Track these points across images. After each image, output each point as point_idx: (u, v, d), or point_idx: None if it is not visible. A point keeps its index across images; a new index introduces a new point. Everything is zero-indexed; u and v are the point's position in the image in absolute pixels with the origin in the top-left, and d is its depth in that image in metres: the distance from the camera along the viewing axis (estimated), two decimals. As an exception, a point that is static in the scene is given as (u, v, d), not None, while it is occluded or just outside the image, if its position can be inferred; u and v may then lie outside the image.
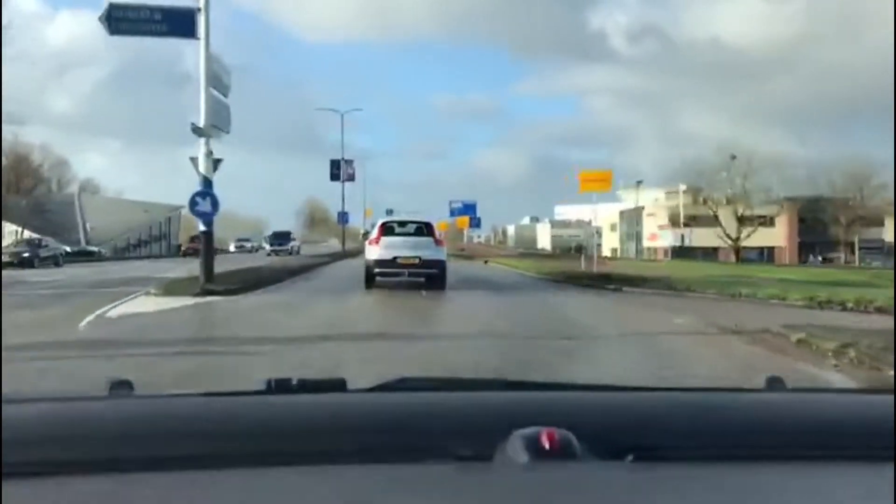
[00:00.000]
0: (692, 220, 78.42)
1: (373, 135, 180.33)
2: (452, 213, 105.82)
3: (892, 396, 1.31)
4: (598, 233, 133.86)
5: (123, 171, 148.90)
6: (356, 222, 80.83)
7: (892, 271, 31.89)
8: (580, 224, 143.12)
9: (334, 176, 64.66)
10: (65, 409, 1.31)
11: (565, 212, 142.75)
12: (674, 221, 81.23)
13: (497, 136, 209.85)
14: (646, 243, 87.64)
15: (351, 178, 65.27)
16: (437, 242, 20.42)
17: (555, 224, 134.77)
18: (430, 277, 19.54)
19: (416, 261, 19.41)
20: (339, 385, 1.39)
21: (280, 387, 1.38)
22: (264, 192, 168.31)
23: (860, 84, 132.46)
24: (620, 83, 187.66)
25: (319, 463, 1.09)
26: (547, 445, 1.08)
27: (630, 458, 1.12)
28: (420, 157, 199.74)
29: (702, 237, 76.43)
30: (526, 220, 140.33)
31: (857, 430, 1.22)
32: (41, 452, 1.09)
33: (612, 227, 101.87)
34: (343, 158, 64.06)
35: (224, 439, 1.15)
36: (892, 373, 7.44)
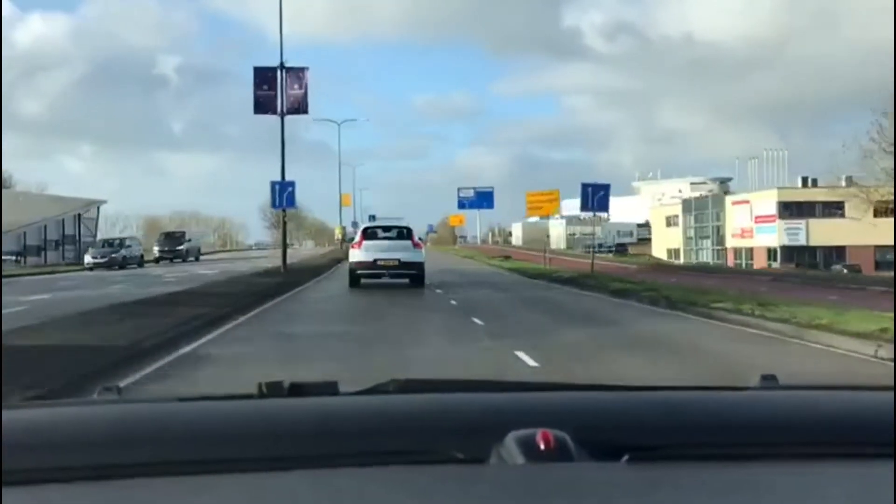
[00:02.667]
0: (792, 210, 57.02)
1: (352, 134, 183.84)
2: (461, 204, 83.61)
3: (891, 393, 1.29)
4: (634, 229, 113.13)
5: (96, 175, 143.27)
6: (326, 216, 59.17)
7: None
8: (598, 220, 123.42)
9: (261, 102, 29.54)
10: (52, 414, 1.31)
11: (570, 207, 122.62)
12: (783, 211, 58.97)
13: (478, 135, 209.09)
14: (731, 242, 63.82)
15: (298, 108, 29.73)
16: (416, 245, 22.91)
17: (569, 221, 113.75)
18: (410, 277, 22.13)
19: (396, 262, 21.98)
20: (330, 388, 1.37)
21: (271, 390, 1.35)
22: (241, 195, 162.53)
23: (840, 79, 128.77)
24: (599, 81, 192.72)
25: (312, 467, 1.08)
26: (542, 446, 1.08)
27: (625, 458, 1.11)
28: (401, 157, 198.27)
29: (823, 233, 55.68)
30: (534, 217, 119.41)
31: (855, 427, 1.21)
32: (27, 459, 1.07)
33: (670, 222, 76.55)
34: (282, 64, 29.81)
35: (214, 444, 1.13)
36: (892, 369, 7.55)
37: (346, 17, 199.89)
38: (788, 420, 1.24)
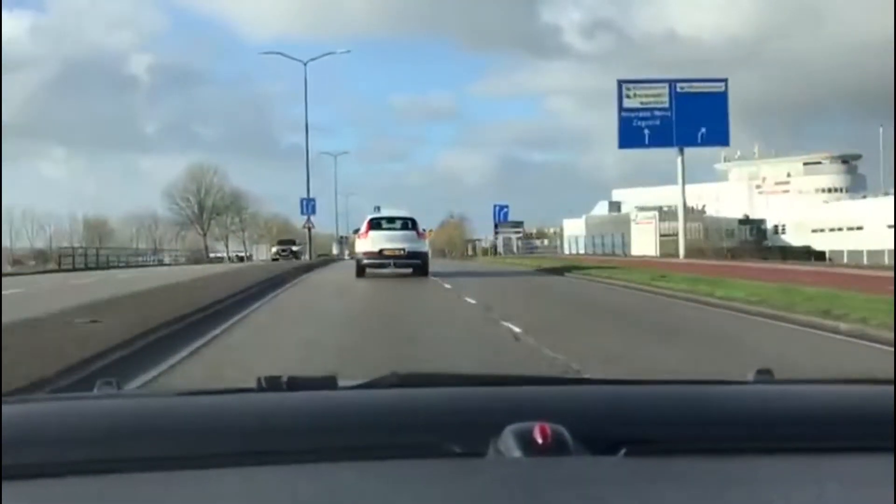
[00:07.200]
0: None
1: (330, 135, 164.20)
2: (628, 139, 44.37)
3: (891, 387, 1.29)
4: (735, 227, 75.93)
5: (72, 178, 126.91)
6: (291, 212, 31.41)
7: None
8: (696, 213, 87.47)
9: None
10: (51, 408, 1.31)
11: (627, 196, 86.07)
12: None
13: (459, 137, 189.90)
14: None
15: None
16: (420, 236, 24.23)
17: (662, 216, 76.02)
18: (415, 267, 23.16)
19: (401, 252, 22.95)
20: (329, 382, 1.38)
21: (270, 384, 1.36)
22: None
23: (821, 78, 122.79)
24: (579, 81, 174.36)
25: (311, 461, 1.09)
26: (539, 440, 1.08)
27: (622, 451, 1.11)
28: (381, 158, 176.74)
29: None
30: (601, 209, 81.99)
31: (854, 421, 1.21)
32: (26, 454, 1.08)
33: None
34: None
35: (213, 438, 1.14)
36: (892, 363, 7.48)
37: (320, 16, 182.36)
38: (785, 414, 1.23)
